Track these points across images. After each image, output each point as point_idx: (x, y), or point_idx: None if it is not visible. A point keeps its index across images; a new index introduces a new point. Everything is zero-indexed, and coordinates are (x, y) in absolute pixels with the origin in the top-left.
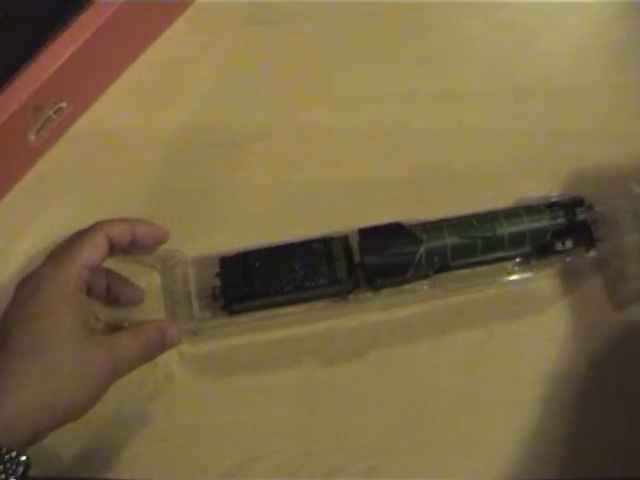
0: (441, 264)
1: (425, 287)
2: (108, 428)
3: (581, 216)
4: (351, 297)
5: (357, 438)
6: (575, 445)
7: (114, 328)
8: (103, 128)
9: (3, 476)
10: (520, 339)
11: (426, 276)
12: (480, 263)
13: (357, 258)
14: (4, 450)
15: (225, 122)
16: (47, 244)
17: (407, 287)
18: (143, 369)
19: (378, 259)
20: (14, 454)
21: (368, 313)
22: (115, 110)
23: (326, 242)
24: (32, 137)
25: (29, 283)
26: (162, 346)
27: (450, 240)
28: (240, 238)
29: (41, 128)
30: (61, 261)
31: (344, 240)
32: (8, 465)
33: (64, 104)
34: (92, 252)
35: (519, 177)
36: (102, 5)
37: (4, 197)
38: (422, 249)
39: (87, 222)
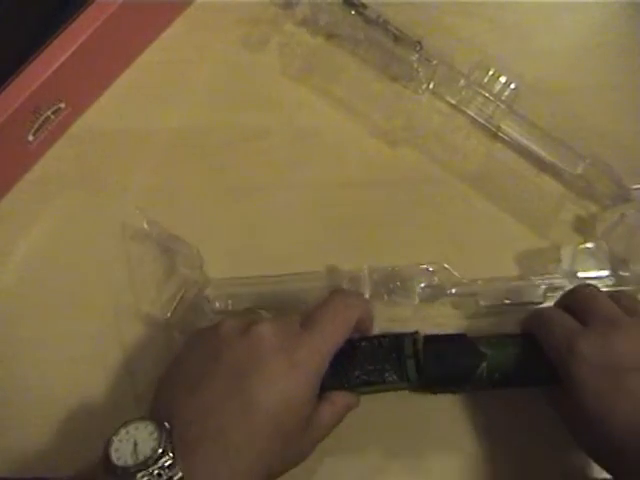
0: (502, 379)
1: None
2: (104, 432)
3: None
4: None
5: (357, 438)
6: None
7: None
8: (102, 129)
9: None
10: None
11: (483, 388)
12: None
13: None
14: None
15: (224, 123)
16: (46, 245)
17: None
18: None
19: (439, 370)
20: None
21: None
22: (114, 111)
23: (397, 337)
24: (31, 138)
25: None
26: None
27: (514, 357)
28: (238, 238)
29: (39, 129)
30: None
31: (413, 337)
32: None
33: (62, 105)
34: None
35: None
36: (100, 6)
37: (3, 198)
38: (484, 364)
39: (85, 223)
